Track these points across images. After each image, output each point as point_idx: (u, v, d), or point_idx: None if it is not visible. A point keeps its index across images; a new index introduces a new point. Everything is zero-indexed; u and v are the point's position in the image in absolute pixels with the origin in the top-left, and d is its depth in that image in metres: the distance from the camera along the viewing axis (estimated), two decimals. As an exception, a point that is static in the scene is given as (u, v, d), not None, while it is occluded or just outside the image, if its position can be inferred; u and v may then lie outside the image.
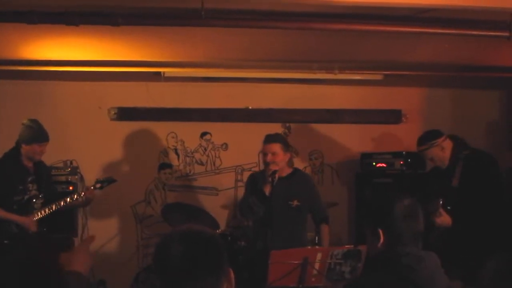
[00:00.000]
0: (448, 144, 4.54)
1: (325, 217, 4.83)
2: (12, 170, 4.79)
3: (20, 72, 5.68)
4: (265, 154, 4.66)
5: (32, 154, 4.85)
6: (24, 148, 4.81)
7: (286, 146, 4.72)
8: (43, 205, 4.89)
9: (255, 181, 4.79)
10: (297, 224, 4.67)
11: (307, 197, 4.71)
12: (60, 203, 4.89)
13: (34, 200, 4.87)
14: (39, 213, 4.83)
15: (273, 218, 4.41)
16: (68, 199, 4.94)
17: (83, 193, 5.01)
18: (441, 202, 4.34)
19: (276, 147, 4.63)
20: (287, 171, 4.77)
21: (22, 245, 4.72)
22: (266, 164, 4.61)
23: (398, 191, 2.48)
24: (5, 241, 4.67)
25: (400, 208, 2.34)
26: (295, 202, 4.63)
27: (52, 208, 4.86)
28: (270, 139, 4.71)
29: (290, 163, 4.94)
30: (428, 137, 4.60)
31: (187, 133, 6.53)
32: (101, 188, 5.20)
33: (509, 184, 5.10)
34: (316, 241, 5.02)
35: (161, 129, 6.50)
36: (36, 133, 4.84)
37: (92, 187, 5.10)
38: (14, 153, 4.84)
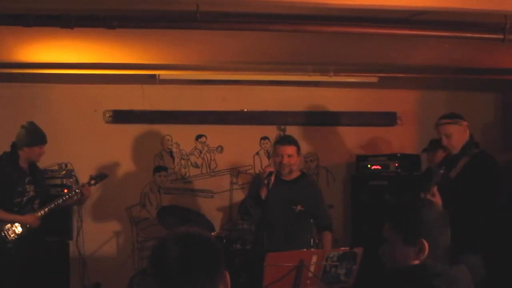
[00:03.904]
0: (467, 132, 4.46)
1: (328, 225, 4.70)
2: (11, 172, 4.81)
3: (15, 75, 5.67)
4: (278, 156, 4.51)
5: (33, 156, 4.90)
6: (25, 151, 4.84)
7: (299, 149, 4.60)
8: (40, 205, 4.91)
9: (257, 183, 4.67)
10: (299, 229, 4.56)
11: (311, 203, 4.59)
12: (59, 201, 4.94)
13: (34, 201, 4.90)
14: (40, 213, 4.86)
15: (275, 221, 4.34)
16: (66, 196, 5.00)
17: (79, 190, 5.07)
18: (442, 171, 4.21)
19: (293, 150, 4.50)
20: (296, 173, 4.66)
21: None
22: (282, 165, 4.47)
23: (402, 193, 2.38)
24: (9, 245, 4.69)
25: (436, 216, 2.16)
26: (299, 207, 4.52)
27: (51, 206, 4.90)
28: (286, 140, 4.57)
29: None
30: (456, 115, 4.49)
31: (183, 136, 6.52)
32: (95, 184, 5.26)
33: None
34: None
35: (156, 131, 6.49)
36: (37, 136, 4.90)
37: (87, 184, 5.14)
38: (11, 155, 4.86)
